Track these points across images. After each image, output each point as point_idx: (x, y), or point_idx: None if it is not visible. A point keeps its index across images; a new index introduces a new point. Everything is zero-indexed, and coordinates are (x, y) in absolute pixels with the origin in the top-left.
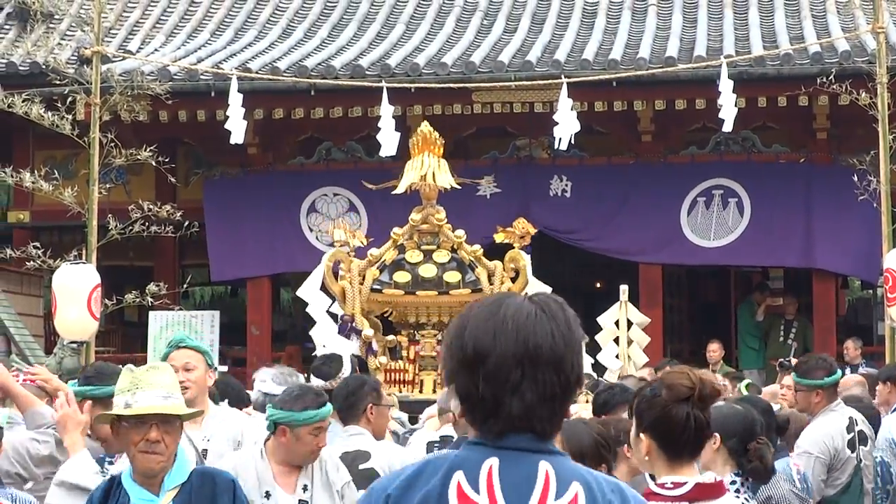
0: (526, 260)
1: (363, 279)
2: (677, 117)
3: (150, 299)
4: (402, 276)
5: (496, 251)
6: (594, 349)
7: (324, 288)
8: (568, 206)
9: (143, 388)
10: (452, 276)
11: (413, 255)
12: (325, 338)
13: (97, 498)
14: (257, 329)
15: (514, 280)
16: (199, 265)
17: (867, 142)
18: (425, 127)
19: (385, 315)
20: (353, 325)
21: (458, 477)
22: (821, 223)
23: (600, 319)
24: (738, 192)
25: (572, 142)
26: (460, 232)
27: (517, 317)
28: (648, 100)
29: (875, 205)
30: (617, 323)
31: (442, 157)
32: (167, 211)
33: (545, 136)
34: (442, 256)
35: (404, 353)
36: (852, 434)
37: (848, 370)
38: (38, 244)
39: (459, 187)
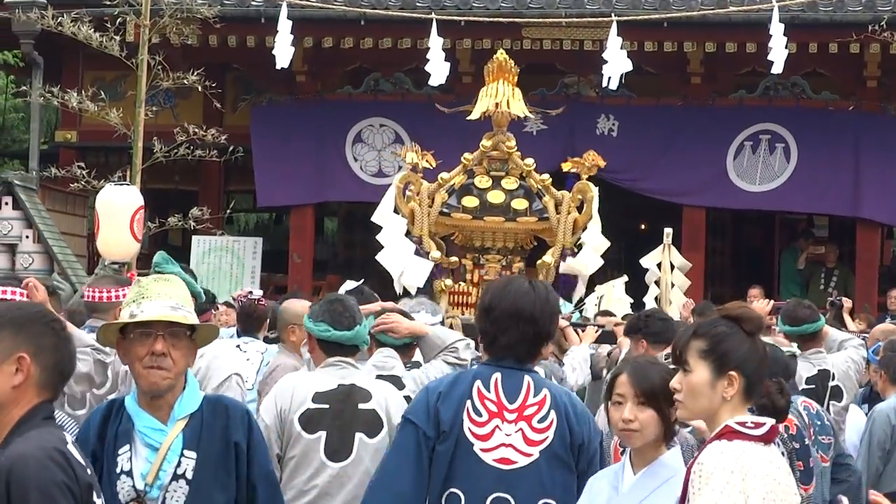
0: (594, 192)
1: (432, 202)
2: (727, 60)
3: (192, 223)
4: (471, 201)
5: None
6: (640, 291)
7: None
8: (614, 145)
9: (149, 298)
10: (520, 204)
11: (482, 181)
12: (400, 261)
13: (95, 422)
14: (299, 257)
15: (579, 210)
16: (244, 191)
17: None
18: (501, 54)
19: (450, 237)
20: (421, 246)
21: (477, 383)
22: (867, 172)
23: (643, 261)
24: (785, 138)
25: (622, 81)
26: (530, 160)
27: (516, 290)
28: (699, 42)
29: None
30: (659, 266)
31: (516, 86)
32: (212, 135)
33: (594, 74)
34: (510, 183)
35: (468, 277)
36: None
37: (888, 319)
38: (83, 164)
39: (532, 116)
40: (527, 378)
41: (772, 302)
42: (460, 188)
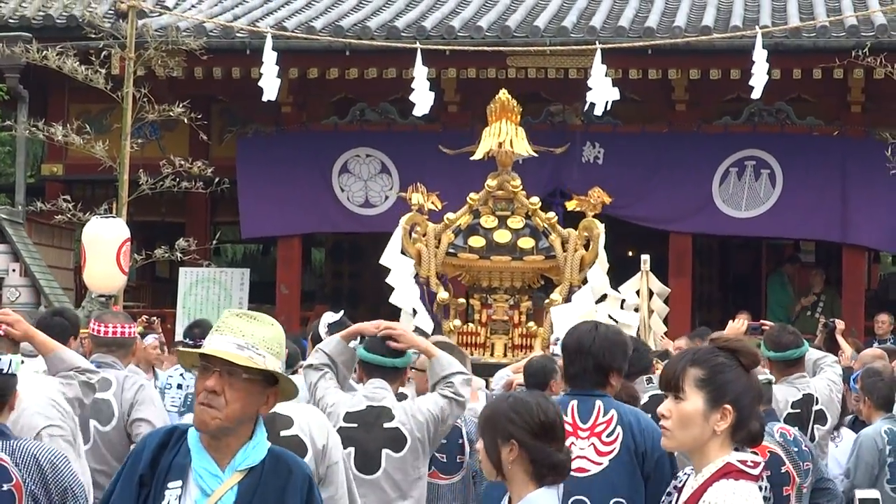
0: (600, 229)
1: (438, 242)
2: (712, 87)
3: (179, 255)
4: (477, 241)
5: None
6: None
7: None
8: (600, 173)
9: (220, 332)
10: (526, 243)
11: (488, 221)
12: (409, 302)
13: (151, 446)
14: (287, 288)
15: (586, 248)
16: (231, 223)
17: None
18: (503, 94)
19: (458, 278)
20: (428, 288)
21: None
22: (853, 197)
23: (621, 289)
24: (770, 164)
25: (606, 108)
26: (535, 199)
27: (580, 329)
28: (683, 69)
29: None
30: (638, 293)
31: (519, 125)
32: (199, 167)
33: (579, 102)
34: (516, 223)
35: (476, 317)
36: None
37: (875, 344)
38: (69, 197)
39: (536, 155)
40: (598, 402)
41: (746, 322)
42: (466, 228)
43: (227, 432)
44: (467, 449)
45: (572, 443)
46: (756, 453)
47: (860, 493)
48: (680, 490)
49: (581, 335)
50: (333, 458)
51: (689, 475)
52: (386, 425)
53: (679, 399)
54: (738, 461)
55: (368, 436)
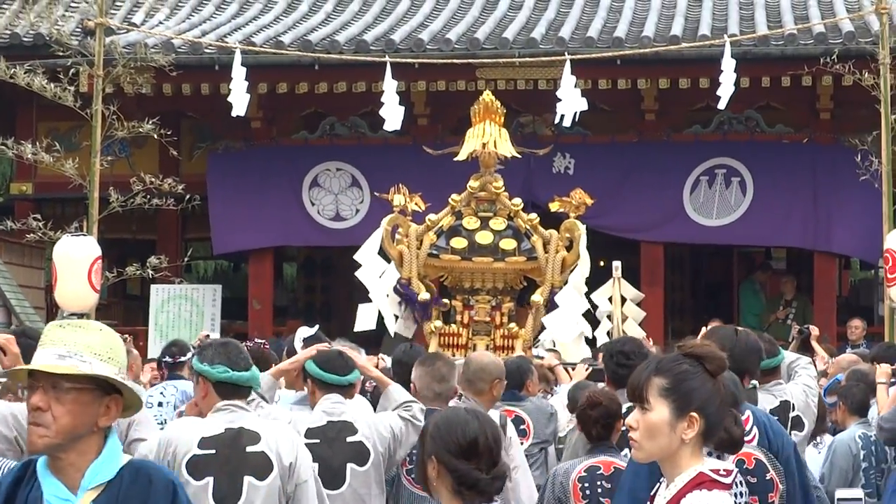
0: (581, 230)
1: (420, 244)
2: (681, 96)
3: (151, 272)
4: (459, 242)
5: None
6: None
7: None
8: (570, 183)
9: (43, 345)
10: (508, 244)
11: (470, 222)
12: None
13: (7, 482)
14: (259, 304)
15: (568, 249)
16: (202, 239)
17: (869, 123)
18: (487, 95)
19: (440, 279)
20: (410, 288)
21: None
22: (823, 204)
23: (594, 296)
24: (740, 172)
25: (576, 119)
26: (517, 200)
27: (721, 333)
28: (652, 78)
29: (877, 185)
30: (611, 299)
31: (503, 127)
32: (169, 184)
33: (549, 113)
34: (498, 224)
35: (458, 318)
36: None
37: (848, 349)
38: (39, 216)
39: (520, 156)
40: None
41: None
42: (448, 229)
43: (61, 449)
44: None
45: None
46: (744, 461)
47: (840, 493)
48: (652, 500)
49: (722, 339)
50: (302, 476)
51: (660, 484)
52: (349, 439)
53: (645, 410)
54: (711, 470)
55: (331, 451)
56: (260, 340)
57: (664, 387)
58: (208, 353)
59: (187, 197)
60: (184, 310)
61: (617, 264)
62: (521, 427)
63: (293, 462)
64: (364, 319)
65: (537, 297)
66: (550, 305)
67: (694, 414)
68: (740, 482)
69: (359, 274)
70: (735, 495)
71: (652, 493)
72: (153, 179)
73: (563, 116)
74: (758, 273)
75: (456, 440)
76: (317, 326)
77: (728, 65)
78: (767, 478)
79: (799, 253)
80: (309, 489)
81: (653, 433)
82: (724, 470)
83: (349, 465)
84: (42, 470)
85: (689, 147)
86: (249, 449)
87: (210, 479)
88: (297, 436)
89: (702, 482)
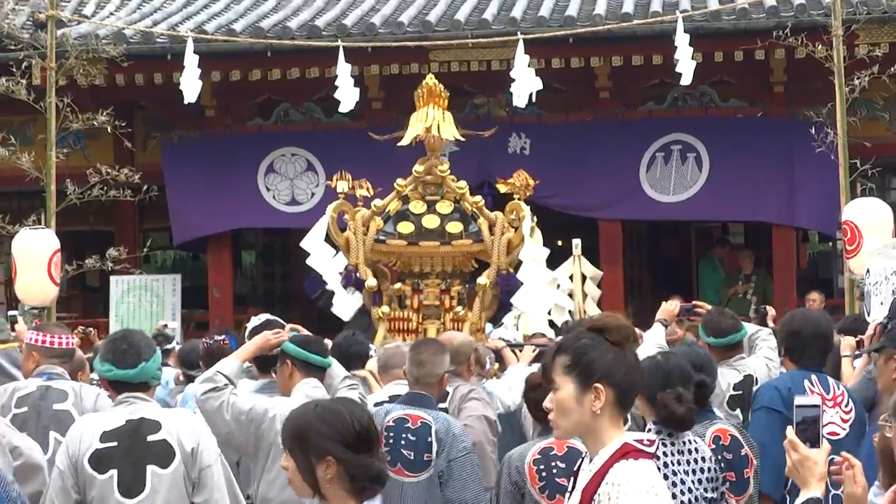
0: (526, 211)
1: (367, 230)
2: (634, 73)
3: (110, 264)
4: (406, 227)
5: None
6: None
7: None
8: (526, 163)
9: None
10: (455, 227)
11: (417, 206)
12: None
13: None
14: (219, 292)
15: (514, 230)
16: (160, 229)
17: (824, 95)
18: (430, 79)
19: (390, 265)
20: (357, 275)
21: (805, 382)
22: (779, 177)
23: (554, 274)
24: (696, 147)
25: (531, 100)
26: (462, 183)
27: (815, 316)
28: (605, 56)
29: (833, 157)
30: (571, 277)
31: (447, 110)
32: (125, 175)
33: (503, 94)
34: (445, 207)
35: (408, 303)
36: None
37: None
38: None
39: (464, 139)
40: (829, 379)
41: (678, 304)
42: (395, 214)
43: None
44: (435, 448)
45: (824, 409)
46: (720, 437)
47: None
48: (575, 474)
49: (817, 321)
50: (205, 461)
51: (583, 458)
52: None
53: (554, 389)
54: (635, 440)
55: None
56: (219, 337)
57: (565, 364)
58: (102, 350)
59: (144, 187)
60: (144, 300)
61: (577, 242)
62: None
63: (195, 447)
64: (342, 308)
65: (483, 279)
66: (512, 284)
67: (598, 385)
68: (666, 453)
69: (309, 262)
70: (657, 467)
71: (575, 469)
72: (109, 171)
73: (518, 97)
74: (716, 248)
75: (353, 432)
76: (265, 316)
77: (682, 40)
78: (742, 454)
79: (756, 227)
80: (214, 473)
81: (564, 410)
82: (647, 440)
83: None
84: None
85: (645, 124)
86: (150, 438)
87: (114, 472)
88: (199, 421)
89: (627, 452)
